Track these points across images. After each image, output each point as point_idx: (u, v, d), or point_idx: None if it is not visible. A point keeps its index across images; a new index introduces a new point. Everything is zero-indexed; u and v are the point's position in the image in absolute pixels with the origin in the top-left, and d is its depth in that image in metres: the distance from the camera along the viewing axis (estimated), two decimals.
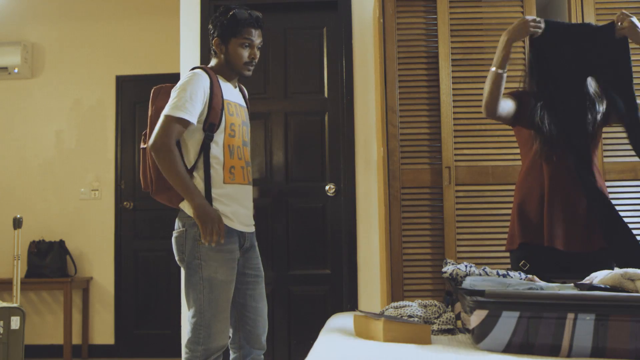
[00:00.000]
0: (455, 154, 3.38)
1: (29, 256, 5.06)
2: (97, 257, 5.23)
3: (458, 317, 1.94)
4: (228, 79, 2.63)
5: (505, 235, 3.30)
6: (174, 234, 2.54)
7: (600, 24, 3.34)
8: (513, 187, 3.31)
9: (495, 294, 1.61)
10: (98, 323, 5.19)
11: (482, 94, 3.38)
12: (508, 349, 1.56)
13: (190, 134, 2.49)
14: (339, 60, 4.10)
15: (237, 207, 2.55)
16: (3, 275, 5.05)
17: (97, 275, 5.22)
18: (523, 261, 2.39)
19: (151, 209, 5.12)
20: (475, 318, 1.59)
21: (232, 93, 2.63)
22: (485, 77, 3.35)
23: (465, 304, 1.66)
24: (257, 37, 2.60)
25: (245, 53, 2.57)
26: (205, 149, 2.50)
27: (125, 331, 5.17)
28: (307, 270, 4.10)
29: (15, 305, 3.74)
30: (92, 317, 5.19)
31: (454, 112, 3.40)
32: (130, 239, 5.24)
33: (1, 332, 3.62)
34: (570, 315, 1.53)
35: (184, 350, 2.48)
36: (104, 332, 5.18)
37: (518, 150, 3.24)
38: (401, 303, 2.09)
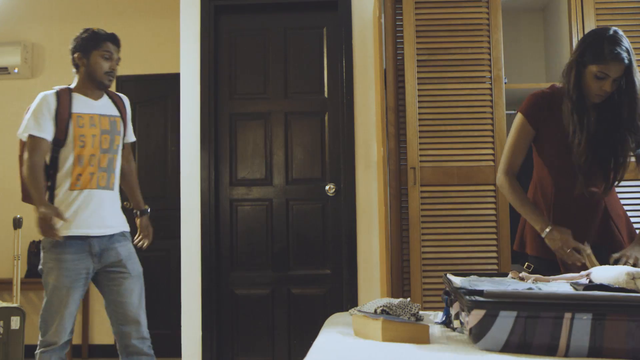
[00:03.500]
0: (420, 155, 3.39)
1: (29, 256, 5.06)
2: None
3: (457, 316, 1.94)
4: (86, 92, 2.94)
5: (471, 237, 3.34)
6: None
7: (600, 24, 3.38)
8: (478, 187, 3.38)
9: (493, 294, 1.61)
10: (98, 323, 5.19)
11: (448, 94, 3.42)
12: (506, 349, 1.56)
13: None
14: (339, 60, 4.10)
15: (81, 213, 2.82)
16: (3, 275, 5.05)
17: None
18: (527, 263, 2.40)
19: (151, 209, 5.10)
20: (473, 318, 1.59)
21: (88, 105, 2.92)
22: (451, 77, 3.37)
23: (464, 303, 1.66)
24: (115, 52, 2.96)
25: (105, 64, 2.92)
26: (52, 161, 2.86)
27: None
28: (307, 270, 4.10)
29: (15, 305, 3.74)
30: (92, 317, 5.19)
31: (419, 113, 3.41)
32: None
33: (1, 332, 3.62)
34: (568, 315, 1.53)
35: None
36: (104, 332, 5.18)
37: (483, 151, 3.30)
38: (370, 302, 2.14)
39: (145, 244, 3.20)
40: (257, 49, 4.23)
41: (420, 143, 3.39)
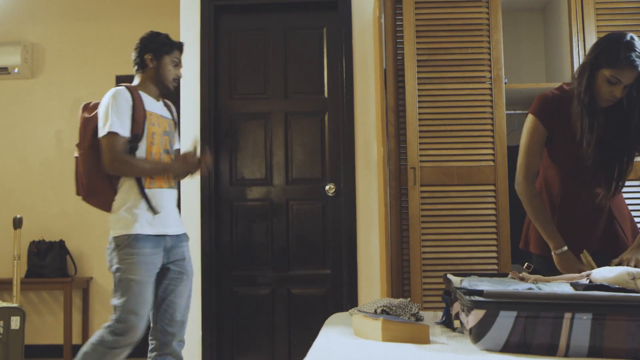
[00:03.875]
0: (420, 155, 3.38)
1: (29, 256, 5.06)
2: (97, 257, 5.22)
3: (456, 316, 1.94)
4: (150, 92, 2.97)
5: (471, 237, 3.33)
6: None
7: (600, 24, 3.38)
8: (478, 187, 3.37)
9: (493, 294, 1.61)
10: (98, 323, 5.18)
11: (448, 95, 3.41)
12: (506, 349, 1.56)
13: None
14: (339, 60, 4.10)
15: (160, 210, 2.82)
16: (3, 275, 5.05)
17: (97, 275, 5.21)
18: (527, 263, 2.40)
19: None
20: (473, 318, 1.59)
21: (154, 105, 2.95)
22: (451, 77, 3.36)
23: (463, 303, 1.66)
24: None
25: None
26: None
27: None
28: (307, 270, 4.10)
29: (15, 305, 3.74)
30: (92, 317, 5.19)
31: (419, 113, 3.41)
32: None
33: (1, 332, 3.62)
34: (568, 315, 1.53)
35: None
36: None
37: (483, 151, 3.29)
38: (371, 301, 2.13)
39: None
40: (257, 49, 4.23)
41: (420, 143, 3.39)
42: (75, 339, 5.09)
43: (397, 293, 3.34)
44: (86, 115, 2.88)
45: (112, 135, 2.73)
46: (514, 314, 1.55)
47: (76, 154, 2.89)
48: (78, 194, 2.91)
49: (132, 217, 2.76)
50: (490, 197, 3.36)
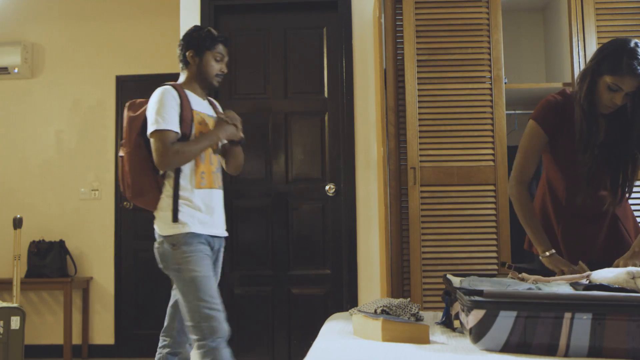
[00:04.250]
0: (420, 155, 3.38)
1: (29, 256, 5.06)
2: (97, 257, 5.23)
3: (456, 316, 1.94)
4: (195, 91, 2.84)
5: (471, 236, 3.34)
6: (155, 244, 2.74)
7: (600, 24, 3.38)
8: (478, 187, 3.37)
9: (493, 294, 1.61)
10: (98, 323, 5.19)
11: (448, 95, 3.41)
12: (506, 349, 1.56)
13: None
14: (339, 60, 4.10)
15: (206, 212, 2.71)
16: (3, 275, 5.05)
17: (97, 275, 5.22)
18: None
19: (150, 210, 5.12)
20: (473, 318, 1.59)
21: (200, 104, 2.82)
22: (451, 77, 3.35)
23: (463, 303, 1.66)
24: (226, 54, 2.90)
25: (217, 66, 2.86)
26: None
27: (125, 331, 5.17)
28: (307, 270, 4.10)
29: (15, 305, 3.74)
30: (92, 317, 5.19)
31: (419, 113, 3.40)
32: (130, 239, 5.24)
33: (1, 332, 3.62)
34: (568, 315, 1.53)
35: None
36: (104, 332, 5.18)
37: (483, 151, 3.29)
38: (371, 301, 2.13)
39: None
40: (257, 49, 4.23)
41: (420, 143, 3.39)
42: (75, 339, 5.09)
43: (397, 293, 3.34)
44: (131, 114, 2.76)
45: (162, 131, 2.61)
46: (514, 314, 1.55)
47: (122, 153, 2.77)
48: (124, 194, 2.82)
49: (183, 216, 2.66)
50: (491, 197, 3.36)
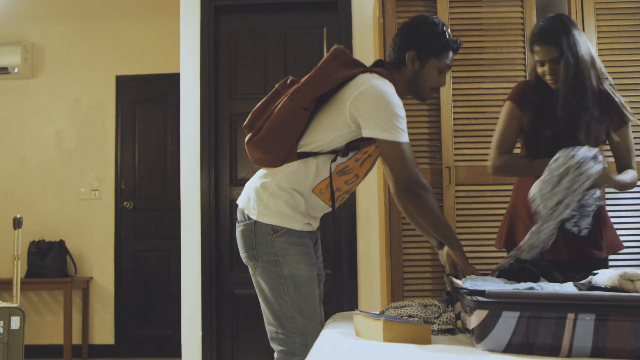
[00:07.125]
0: (455, 154, 3.38)
1: (29, 256, 5.07)
2: (97, 257, 5.23)
3: (458, 317, 1.94)
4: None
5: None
6: (241, 227, 2.28)
7: (600, 24, 3.37)
8: (513, 187, 3.31)
9: (495, 294, 1.60)
10: (98, 323, 5.19)
11: (482, 94, 3.39)
12: (508, 349, 1.56)
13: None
14: None
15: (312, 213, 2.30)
16: (3, 275, 5.05)
17: (97, 275, 5.22)
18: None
19: (151, 209, 5.14)
20: (475, 318, 1.59)
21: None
22: (485, 76, 3.34)
23: (465, 303, 1.66)
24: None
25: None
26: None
27: (125, 331, 5.17)
28: None
29: (15, 305, 3.74)
30: (92, 317, 5.19)
31: (454, 112, 3.40)
32: (130, 239, 5.24)
33: (1, 332, 3.62)
34: (571, 315, 1.53)
35: None
36: (104, 332, 5.18)
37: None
38: (401, 303, 2.09)
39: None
40: (257, 49, 4.22)
41: (454, 142, 3.37)
42: (75, 339, 5.10)
43: (397, 293, 3.34)
44: (334, 65, 2.32)
45: (408, 146, 2.11)
46: (517, 314, 1.55)
47: (285, 98, 2.33)
48: (245, 129, 2.31)
49: (291, 211, 2.19)
50: None
